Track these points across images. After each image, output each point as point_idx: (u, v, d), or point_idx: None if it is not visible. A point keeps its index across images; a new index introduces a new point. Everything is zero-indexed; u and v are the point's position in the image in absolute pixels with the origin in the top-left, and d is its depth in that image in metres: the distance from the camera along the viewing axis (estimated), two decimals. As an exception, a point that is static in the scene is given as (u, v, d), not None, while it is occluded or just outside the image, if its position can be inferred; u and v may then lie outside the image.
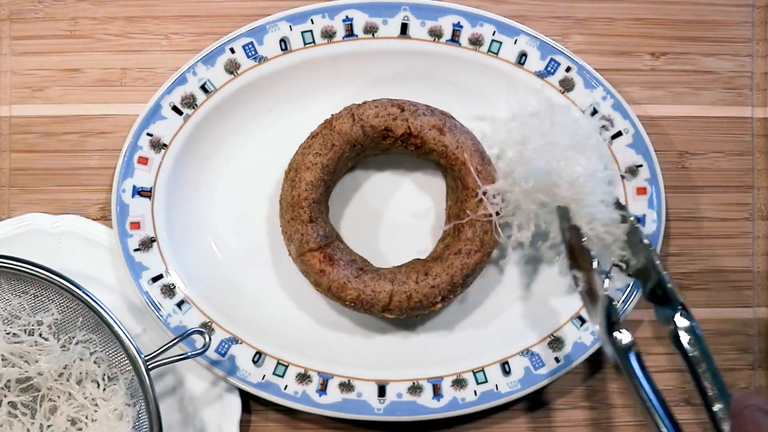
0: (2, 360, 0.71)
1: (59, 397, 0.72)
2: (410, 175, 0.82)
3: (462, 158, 0.75)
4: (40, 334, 0.72)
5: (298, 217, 0.74)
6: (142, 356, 0.70)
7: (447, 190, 0.80)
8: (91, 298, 0.71)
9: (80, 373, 0.72)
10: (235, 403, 0.78)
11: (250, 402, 0.80)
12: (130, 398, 0.72)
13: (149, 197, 0.78)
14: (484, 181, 0.75)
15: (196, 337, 0.75)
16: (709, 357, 0.66)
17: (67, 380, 0.72)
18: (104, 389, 0.72)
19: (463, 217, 0.75)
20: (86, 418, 0.72)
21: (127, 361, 0.71)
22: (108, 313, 0.70)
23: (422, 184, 0.82)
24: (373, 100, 0.76)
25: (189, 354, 0.72)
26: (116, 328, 0.70)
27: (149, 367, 0.70)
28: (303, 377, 0.78)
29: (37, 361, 0.71)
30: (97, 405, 0.72)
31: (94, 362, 0.72)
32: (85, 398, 0.72)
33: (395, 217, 0.81)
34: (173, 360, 0.71)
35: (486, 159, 0.76)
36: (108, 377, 0.72)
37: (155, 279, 0.78)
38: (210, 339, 0.73)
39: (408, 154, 0.78)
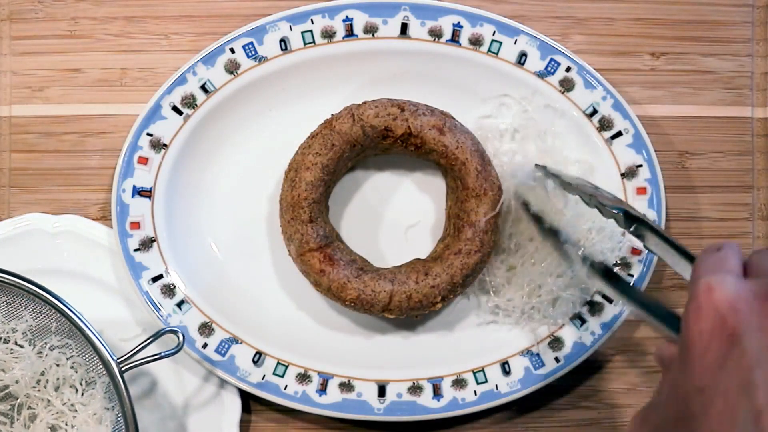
0: None
1: (38, 404, 0.71)
2: (410, 175, 0.82)
3: (462, 158, 0.75)
4: (15, 342, 0.71)
5: (298, 217, 0.74)
6: (115, 359, 0.69)
7: (447, 190, 0.80)
8: (62, 303, 0.70)
9: (57, 379, 0.71)
10: (235, 403, 0.78)
11: (250, 402, 0.80)
12: (108, 402, 0.71)
13: (149, 197, 0.78)
14: (483, 181, 0.75)
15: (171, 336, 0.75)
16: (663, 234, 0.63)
17: (44, 387, 0.71)
18: (82, 394, 0.71)
19: (463, 218, 0.75)
20: (66, 424, 0.71)
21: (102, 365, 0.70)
22: (78, 317, 0.69)
23: (422, 184, 0.82)
24: (373, 100, 0.76)
25: (162, 354, 0.70)
26: (87, 331, 0.69)
27: (123, 369, 0.69)
28: (303, 377, 0.78)
29: (12, 369, 0.70)
30: (76, 410, 0.71)
31: (71, 367, 0.71)
32: (64, 404, 0.71)
33: (395, 217, 0.81)
34: (147, 361, 0.70)
35: (486, 159, 0.76)
36: (86, 382, 0.72)
37: (155, 279, 0.78)
38: (183, 339, 0.71)
39: (408, 154, 0.78)
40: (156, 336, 0.70)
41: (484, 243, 0.75)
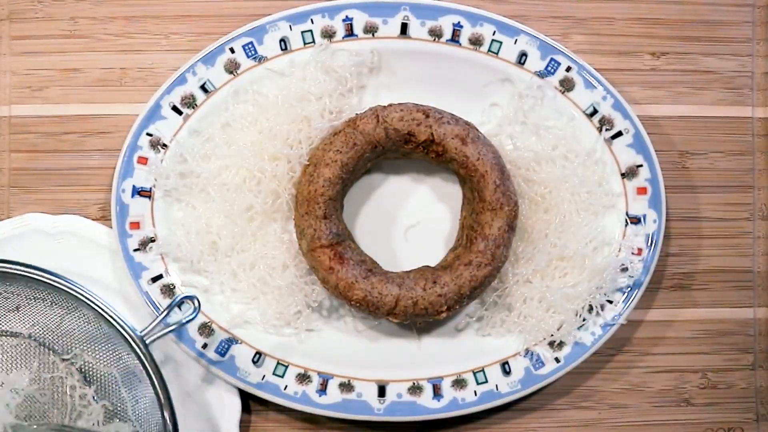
0: None
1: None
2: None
3: (482, 170, 0.74)
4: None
5: (313, 212, 0.74)
6: (137, 333, 0.69)
7: (463, 200, 0.80)
8: (75, 286, 0.70)
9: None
10: (235, 403, 0.78)
11: (250, 402, 0.80)
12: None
13: (149, 197, 0.78)
14: (501, 196, 0.74)
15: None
16: None
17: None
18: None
19: (477, 229, 0.75)
20: None
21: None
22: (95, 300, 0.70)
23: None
24: (399, 104, 0.75)
25: (183, 321, 0.70)
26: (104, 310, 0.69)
27: (147, 342, 0.69)
28: (303, 377, 0.78)
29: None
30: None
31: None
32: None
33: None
34: (170, 330, 0.70)
35: (506, 174, 0.75)
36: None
37: (155, 279, 0.78)
38: (199, 304, 0.71)
39: (428, 160, 0.77)
40: (171, 306, 0.70)
41: (495, 257, 0.75)
